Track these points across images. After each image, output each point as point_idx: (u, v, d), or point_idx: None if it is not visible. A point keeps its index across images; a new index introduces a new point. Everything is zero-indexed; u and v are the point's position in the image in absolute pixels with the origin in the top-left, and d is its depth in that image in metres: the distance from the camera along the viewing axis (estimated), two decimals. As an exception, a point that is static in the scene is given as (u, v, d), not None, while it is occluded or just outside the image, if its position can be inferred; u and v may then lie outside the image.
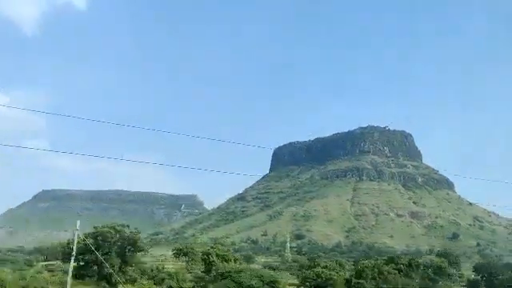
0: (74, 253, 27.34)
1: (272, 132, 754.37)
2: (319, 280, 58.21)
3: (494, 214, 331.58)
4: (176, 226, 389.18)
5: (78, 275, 39.26)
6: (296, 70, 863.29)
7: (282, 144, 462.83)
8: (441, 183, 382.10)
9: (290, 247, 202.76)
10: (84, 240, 34.76)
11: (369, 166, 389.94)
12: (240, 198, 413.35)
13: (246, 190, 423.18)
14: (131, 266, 50.03)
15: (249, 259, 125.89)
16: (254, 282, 40.30)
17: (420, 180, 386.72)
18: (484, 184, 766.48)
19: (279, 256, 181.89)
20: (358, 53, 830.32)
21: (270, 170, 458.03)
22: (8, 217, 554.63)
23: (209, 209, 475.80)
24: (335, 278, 58.32)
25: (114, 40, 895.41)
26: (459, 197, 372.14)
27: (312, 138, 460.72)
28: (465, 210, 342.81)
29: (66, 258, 46.56)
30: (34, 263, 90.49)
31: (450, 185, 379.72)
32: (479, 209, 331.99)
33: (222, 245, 70.62)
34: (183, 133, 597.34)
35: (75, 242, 28.43)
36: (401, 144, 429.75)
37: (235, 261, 66.07)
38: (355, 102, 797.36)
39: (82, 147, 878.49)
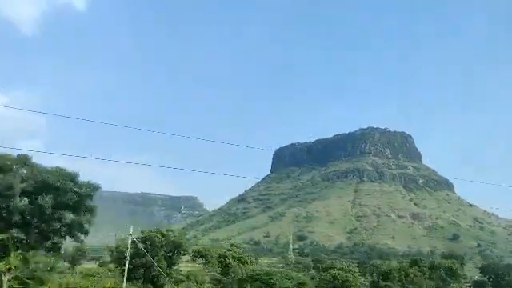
0: (127, 256, 28.71)
1: (273, 133, 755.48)
2: (335, 282, 58.94)
3: (493, 215, 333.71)
4: (176, 228, 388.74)
5: (128, 278, 40.81)
6: (296, 71, 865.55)
7: (282, 145, 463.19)
8: (441, 184, 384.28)
9: (292, 249, 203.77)
10: (133, 243, 36.14)
11: (370, 168, 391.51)
12: (241, 199, 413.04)
13: (247, 192, 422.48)
14: (175, 268, 52.00)
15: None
16: (289, 285, 41.27)
17: (420, 181, 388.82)
18: (484, 184, 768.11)
19: (282, 257, 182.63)
20: (358, 54, 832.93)
21: (271, 172, 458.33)
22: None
23: (209, 210, 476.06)
24: (351, 279, 59.30)
25: (114, 41, 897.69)
26: (459, 198, 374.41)
27: (313, 140, 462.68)
28: (465, 211, 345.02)
29: (116, 262, 48.58)
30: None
31: (449, 186, 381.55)
32: (479, 210, 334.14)
33: (238, 247, 71.46)
34: (183, 134, 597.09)
35: (129, 245, 29.78)
36: (401, 145, 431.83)
37: (251, 263, 66.96)
38: (356, 103, 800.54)
39: (82, 148, 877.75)
